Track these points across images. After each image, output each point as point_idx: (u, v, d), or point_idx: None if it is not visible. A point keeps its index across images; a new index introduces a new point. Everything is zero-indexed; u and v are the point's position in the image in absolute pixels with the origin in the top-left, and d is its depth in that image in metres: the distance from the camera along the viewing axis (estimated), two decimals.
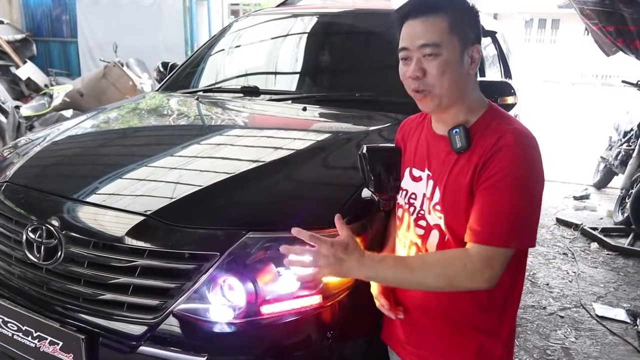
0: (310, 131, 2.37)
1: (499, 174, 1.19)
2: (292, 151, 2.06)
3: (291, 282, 1.53)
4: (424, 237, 1.36)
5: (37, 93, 7.73)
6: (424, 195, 1.36)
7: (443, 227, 1.31)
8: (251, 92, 2.79)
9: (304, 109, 2.47)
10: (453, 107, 1.30)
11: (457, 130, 1.27)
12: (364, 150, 1.51)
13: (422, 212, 1.37)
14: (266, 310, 1.52)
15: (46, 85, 8.39)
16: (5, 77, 8.32)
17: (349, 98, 2.58)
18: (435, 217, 1.33)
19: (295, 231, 1.27)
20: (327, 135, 2.25)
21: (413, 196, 1.40)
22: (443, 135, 1.33)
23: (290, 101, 2.68)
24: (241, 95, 2.82)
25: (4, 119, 6.11)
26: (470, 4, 1.32)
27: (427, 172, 1.37)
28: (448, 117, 1.32)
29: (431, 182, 1.35)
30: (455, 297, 1.31)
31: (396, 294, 1.47)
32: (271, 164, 1.91)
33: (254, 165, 1.90)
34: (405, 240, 1.43)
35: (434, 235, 1.34)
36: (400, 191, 1.46)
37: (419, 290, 1.37)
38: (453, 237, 1.30)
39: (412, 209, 1.40)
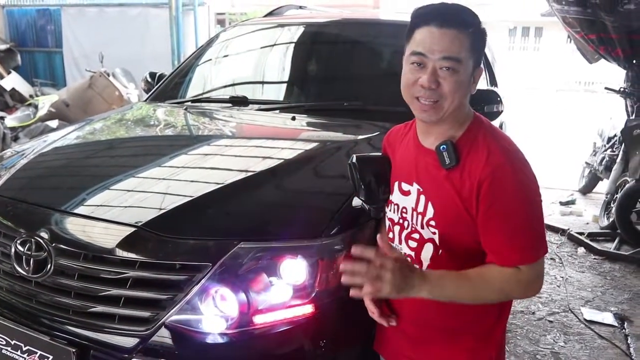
0: (299, 140, 2.38)
1: (502, 197, 1.22)
2: (282, 161, 2.06)
3: (283, 292, 1.53)
4: (418, 250, 1.37)
5: (22, 104, 7.67)
6: (413, 209, 1.37)
7: (437, 241, 1.32)
8: (240, 102, 2.79)
9: (293, 119, 2.48)
10: (447, 122, 1.30)
11: (445, 146, 1.28)
12: (354, 160, 1.51)
13: (414, 225, 1.38)
14: (259, 320, 1.52)
15: (31, 96, 8.32)
16: None
17: (338, 107, 2.59)
18: (429, 232, 1.33)
19: (357, 250, 1.20)
20: (316, 144, 2.26)
21: (404, 210, 1.41)
22: (430, 149, 1.33)
23: (278, 111, 2.69)
24: (230, 105, 2.82)
25: None
26: (483, 27, 1.30)
27: (416, 186, 1.36)
28: (437, 130, 1.32)
29: (423, 198, 1.34)
30: (453, 307, 1.32)
31: (391, 303, 1.48)
32: (261, 173, 1.92)
33: (244, 175, 1.91)
34: (400, 251, 1.42)
35: (428, 249, 1.35)
36: (391, 205, 1.46)
37: (415, 300, 1.35)
38: (447, 251, 1.32)
39: (405, 223, 1.40)
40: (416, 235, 1.37)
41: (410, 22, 1.29)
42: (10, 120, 6.66)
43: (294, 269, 1.54)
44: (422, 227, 1.34)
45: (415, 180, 1.36)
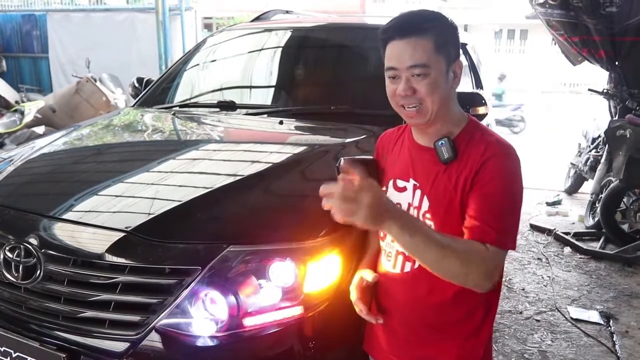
0: (287, 144, 2.40)
1: (494, 178, 1.27)
2: (270, 164, 2.08)
3: (272, 294, 1.55)
4: None
5: (8, 110, 7.59)
6: (409, 204, 1.40)
7: None
8: (228, 106, 2.81)
9: (281, 123, 2.50)
10: (439, 121, 1.35)
11: (443, 142, 1.33)
12: (341, 162, 1.53)
13: None
14: (248, 322, 1.54)
15: (17, 102, 8.24)
16: None
17: (325, 111, 2.61)
18: None
19: (345, 165, 1.21)
20: (304, 148, 2.27)
21: (399, 206, 1.42)
22: (427, 146, 1.39)
23: (266, 115, 2.70)
24: (218, 109, 2.84)
25: None
26: (450, 21, 1.37)
27: (412, 182, 1.41)
28: (432, 130, 1.38)
29: (418, 192, 1.39)
30: (440, 305, 1.36)
31: (379, 302, 1.50)
32: (249, 177, 1.93)
33: (233, 179, 1.92)
34: (390, 250, 1.45)
35: None
36: None
37: (404, 298, 1.42)
38: None
39: None
40: None
41: (381, 40, 1.36)
42: None
43: (283, 272, 1.56)
44: None
45: (412, 177, 1.41)
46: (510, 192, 1.28)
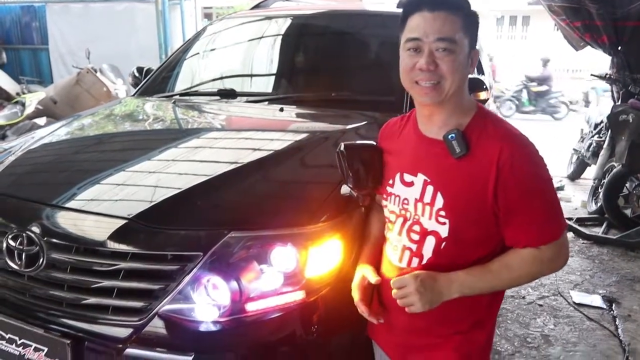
0: (287, 131, 2.40)
1: (525, 180, 1.25)
2: (271, 151, 2.08)
3: (274, 279, 1.56)
4: (419, 243, 1.36)
5: (9, 102, 7.59)
6: (417, 200, 1.35)
7: (444, 232, 1.31)
8: (228, 94, 2.80)
9: (281, 110, 2.50)
10: (448, 104, 1.31)
11: (453, 135, 1.28)
12: (342, 148, 1.53)
13: (416, 217, 1.36)
14: (251, 307, 1.54)
15: (18, 94, 8.24)
16: None
17: (326, 98, 2.60)
18: (434, 223, 1.32)
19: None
20: (304, 135, 2.27)
21: (406, 202, 1.38)
22: (434, 138, 1.33)
23: (267, 103, 2.70)
24: (218, 98, 2.83)
25: None
26: (474, 10, 1.33)
27: (421, 177, 1.35)
28: (441, 117, 1.32)
29: (430, 188, 1.33)
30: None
31: (381, 296, 1.49)
32: (250, 164, 1.93)
33: (233, 166, 1.92)
34: (397, 244, 1.41)
35: (430, 241, 1.34)
36: (391, 197, 1.43)
37: None
38: (453, 242, 1.31)
39: (408, 214, 1.38)
40: (417, 228, 1.36)
41: (403, 11, 1.32)
42: None
43: (285, 257, 1.56)
44: (430, 218, 1.33)
45: (420, 171, 1.35)
46: (543, 185, 1.29)
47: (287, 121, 2.52)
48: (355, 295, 1.47)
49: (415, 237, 1.36)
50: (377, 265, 1.50)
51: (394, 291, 1.32)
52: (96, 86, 7.07)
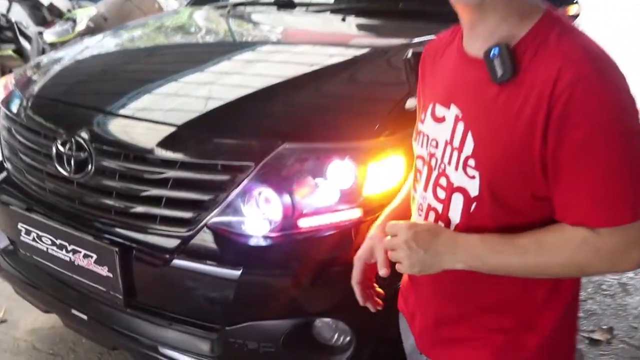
0: (347, 45, 2.24)
1: (589, 125, 0.81)
2: (329, 64, 1.95)
3: (329, 195, 1.46)
4: (445, 203, 0.97)
5: (60, 18, 7.59)
6: (447, 142, 0.96)
7: (474, 190, 0.92)
8: (285, 4, 2.65)
9: (343, 20, 2.34)
10: (495, 8, 0.88)
11: (497, 50, 0.87)
12: (409, 55, 1.40)
13: (442, 166, 0.98)
14: (303, 223, 1.47)
15: (69, 10, 8.23)
16: (27, 3, 8.17)
17: (392, 9, 2.42)
18: (463, 176, 0.93)
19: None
20: (366, 47, 2.12)
21: (434, 143, 1.00)
22: (476, 57, 0.92)
23: (328, 12, 2.53)
24: (275, 7, 2.69)
25: (27, 45, 6.05)
26: None
27: (454, 110, 0.96)
28: (486, 26, 0.90)
29: (461, 125, 0.94)
30: (484, 276, 0.95)
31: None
32: (307, 76, 1.81)
33: (289, 78, 1.81)
34: (423, 202, 1.04)
35: (456, 202, 0.95)
36: (420, 136, 1.07)
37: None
38: (486, 204, 0.92)
39: (433, 161, 1.00)
40: (444, 182, 0.97)
41: None
42: (49, 35, 6.62)
43: (342, 172, 1.46)
44: (457, 169, 0.94)
45: (454, 102, 0.96)
46: (615, 136, 0.81)
47: (348, 34, 2.37)
48: (356, 273, 1.13)
49: (442, 194, 0.98)
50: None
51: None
52: (147, 2, 6.97)
